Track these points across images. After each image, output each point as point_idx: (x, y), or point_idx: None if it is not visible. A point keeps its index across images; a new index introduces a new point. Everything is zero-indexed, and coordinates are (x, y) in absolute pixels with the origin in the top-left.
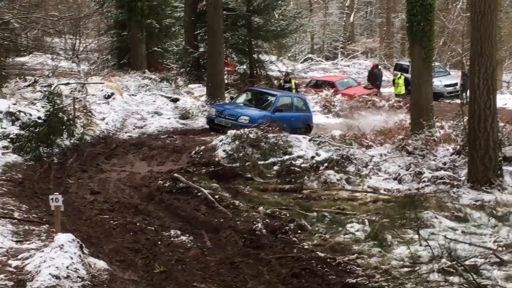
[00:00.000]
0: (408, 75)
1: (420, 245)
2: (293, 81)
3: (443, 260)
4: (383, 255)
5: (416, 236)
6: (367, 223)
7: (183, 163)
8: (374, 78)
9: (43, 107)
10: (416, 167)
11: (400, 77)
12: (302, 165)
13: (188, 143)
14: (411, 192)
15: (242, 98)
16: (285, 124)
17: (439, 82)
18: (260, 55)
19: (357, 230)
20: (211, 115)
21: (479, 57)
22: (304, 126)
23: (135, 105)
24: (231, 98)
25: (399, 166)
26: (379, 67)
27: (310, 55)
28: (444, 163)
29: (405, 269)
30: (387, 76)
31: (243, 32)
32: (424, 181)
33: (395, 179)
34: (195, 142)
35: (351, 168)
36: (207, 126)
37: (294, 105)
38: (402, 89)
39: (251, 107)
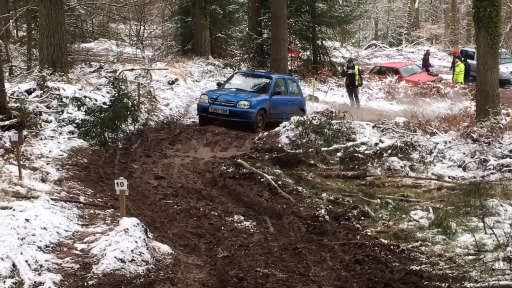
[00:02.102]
0: (473, 62)
1: (485, 233)
2: (356, 67)
3: (509, 248)
4: (447, 242)
5: (481, 224)
6: (431, 210)
7: (246, 149)
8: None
9: (108, 92)
10: (481, 154)
11: (458, 65)
12: (366, 152)
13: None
14: (476, 179)
15: (232, 83)
16: (282, 108)
17: (505, 69)
18: (323, 41)
19: (421, 217)
20: (203, 103)
21: None
22: (299, 111)
23: (199, 91)
24: (218, 84)
25: (464, 153)
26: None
27: (374, 41)
28: (510, 151)
29: (470, 257)
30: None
31: (306, 18)
32: (490, 169)
33: (459, 166)
34: None
35: (415, 155)
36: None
37: (288, 87)
38: (460, 77)
39: (247, 92)
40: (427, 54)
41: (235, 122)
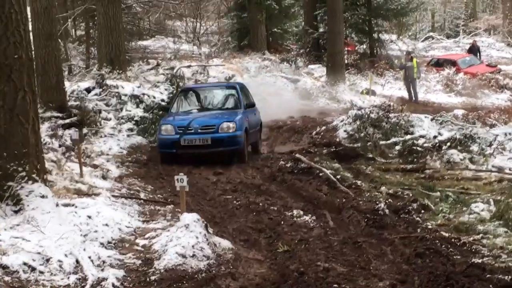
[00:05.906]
0: None
1: None
2: (414, 60)
3: None
4: (509, 235)
5: None
6: (492, 202)
7: (304, 144)
8: None
9: (166, 89)
10: None
11: None
12: (425, 145)
13: (309, 123)
14: None
15: (182, 105)
16: (252, 122)
17: None
18: (380, 35)
19: (482, 210)
20: (168, 135)
21: None
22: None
23: (255, 87)
24: (162, 108)
25: None
26: None
27: (431, 34)
28: None
29: None
30: (510, 53)
31: (362, 11)
32: None
33: None
34: (315, 122)
35: (474, 148)
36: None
37: (249, 95)
38: None
39: (214, 110)
40: (473, 45)
41: (219, 153)
